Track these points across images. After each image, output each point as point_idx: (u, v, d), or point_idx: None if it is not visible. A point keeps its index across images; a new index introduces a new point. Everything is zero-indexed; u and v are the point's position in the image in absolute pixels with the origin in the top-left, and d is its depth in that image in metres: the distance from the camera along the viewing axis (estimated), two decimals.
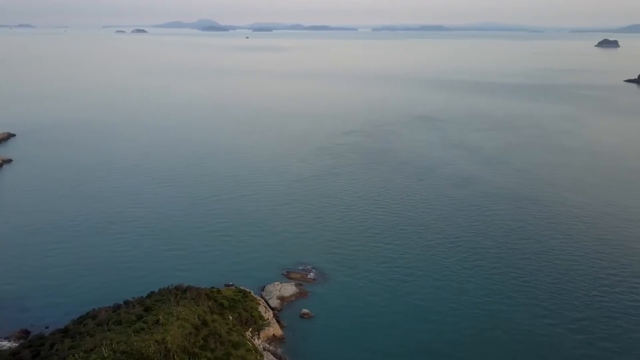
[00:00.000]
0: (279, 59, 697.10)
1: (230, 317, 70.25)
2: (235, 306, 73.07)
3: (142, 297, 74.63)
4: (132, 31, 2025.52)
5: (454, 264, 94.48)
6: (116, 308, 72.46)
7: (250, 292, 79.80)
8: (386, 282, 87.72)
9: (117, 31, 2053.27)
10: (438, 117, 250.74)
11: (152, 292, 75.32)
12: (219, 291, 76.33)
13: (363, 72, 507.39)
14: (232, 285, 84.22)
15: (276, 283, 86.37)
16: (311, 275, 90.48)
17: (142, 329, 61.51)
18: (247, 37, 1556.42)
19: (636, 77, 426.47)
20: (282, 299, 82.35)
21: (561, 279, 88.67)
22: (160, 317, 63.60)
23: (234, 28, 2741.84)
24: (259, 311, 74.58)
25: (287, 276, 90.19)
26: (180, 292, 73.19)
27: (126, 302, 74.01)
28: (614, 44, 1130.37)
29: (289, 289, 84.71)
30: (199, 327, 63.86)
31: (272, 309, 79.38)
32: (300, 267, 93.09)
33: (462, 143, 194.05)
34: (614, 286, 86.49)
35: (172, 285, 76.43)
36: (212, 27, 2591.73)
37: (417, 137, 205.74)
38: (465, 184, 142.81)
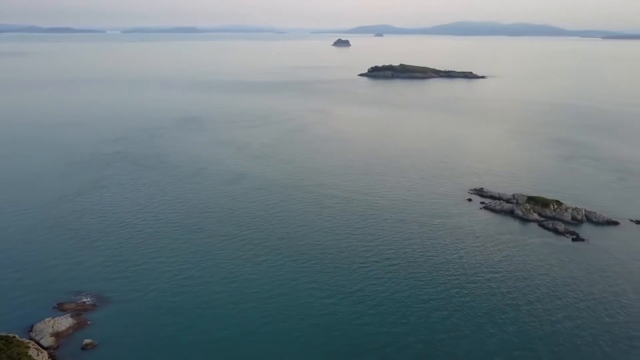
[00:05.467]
0: (16, 65, 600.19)
1: None
2: None
3: None
4: None
5: (239, 262, 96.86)
6: None
7: (15, 337, 68.95)
8: (172, 295, 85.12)
9: None
10: (203, 117, 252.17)
11: None
12: None
13: (118, 76, 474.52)
14: None
15: (47, 319, 76.29)
16: (89, 302, 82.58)
17: None
18: None
19: (366, 71, 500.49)
20: (57, 335, 73.30)
21: (335, 257, 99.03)
22: None
23: None
24: (30, 355, 65.26)
25: (60, 308, 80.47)
26: None
27: None
28: (346, 43, 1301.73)
29: (64, 323, 75.84)
30: None
31: (46, 348, 70.17)
32: (75, 296, 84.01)
33: (230, 141, 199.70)
34: (375, 255, 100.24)
35: None
36: None
37: (186, 139, 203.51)
38: (238, 180, 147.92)
